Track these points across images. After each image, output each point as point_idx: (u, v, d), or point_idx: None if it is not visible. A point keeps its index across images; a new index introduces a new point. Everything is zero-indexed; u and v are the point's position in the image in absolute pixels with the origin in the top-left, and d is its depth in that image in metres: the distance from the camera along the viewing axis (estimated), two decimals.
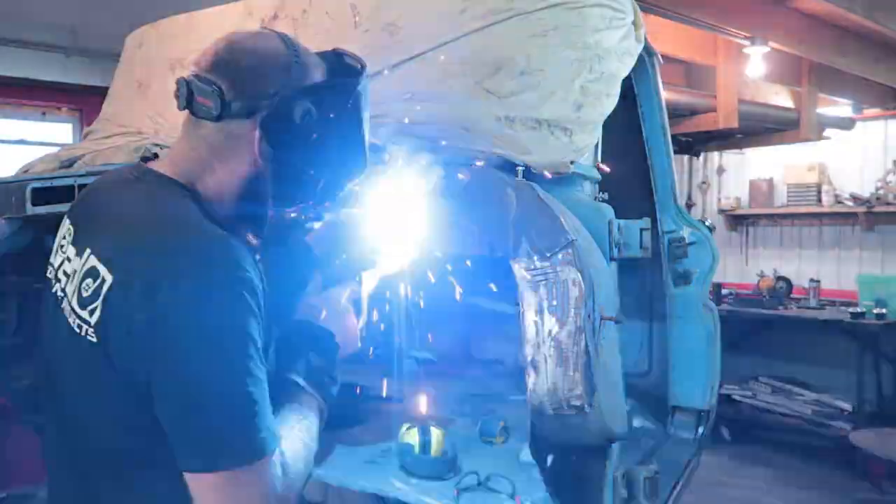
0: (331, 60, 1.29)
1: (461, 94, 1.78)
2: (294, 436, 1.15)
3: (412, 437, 1.92)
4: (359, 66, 1.28)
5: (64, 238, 1.26)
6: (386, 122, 1.74)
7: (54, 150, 2.58)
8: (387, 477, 1.88)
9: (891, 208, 6.42)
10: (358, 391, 2.21)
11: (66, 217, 1.30)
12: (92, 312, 1.10)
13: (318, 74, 1.24)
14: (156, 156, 1.59)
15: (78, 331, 1.12)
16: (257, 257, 1.17)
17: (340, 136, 1.25)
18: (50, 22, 4.50)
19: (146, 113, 2.43)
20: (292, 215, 1.50)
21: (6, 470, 3.78)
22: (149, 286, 1.04)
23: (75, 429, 1.20)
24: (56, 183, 2.17)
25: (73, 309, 1.15)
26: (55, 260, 1.27)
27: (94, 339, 1.09)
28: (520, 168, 1.54)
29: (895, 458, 4.42)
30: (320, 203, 1.35)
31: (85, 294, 1.12)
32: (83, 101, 5.22)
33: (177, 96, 1.20)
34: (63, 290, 1.20)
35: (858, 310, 5.95)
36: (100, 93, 2.92)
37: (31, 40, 4.69)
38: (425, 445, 1.91)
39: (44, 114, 5.31)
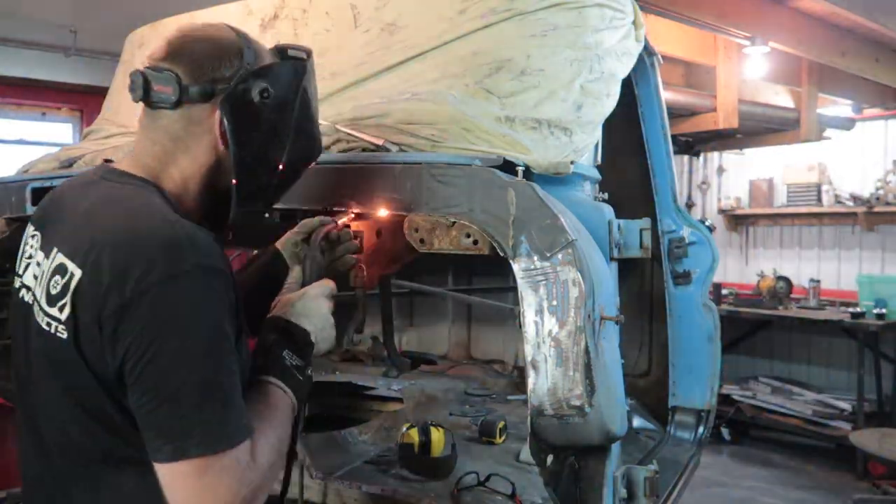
0: (278, 49, 1.33)
1: (461, 94, 1.78)
2: (268, 430, 1.15)
3: (412, 437, 1.92)
4: (304, 53, 1.33)
5: (30, 246, 1.26)
6: (386, 122, 1.74)
7: (54, 150, 2.58)
8: (387, 477, 1.88)
9: (891, 208, 6.42)
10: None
11: (29, 225, 1.30)
12: (62, 309, 1.11)
13: (268, 59, 1.29)
14: None
15: (48, 329, 1.13)
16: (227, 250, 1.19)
17: (295, 116, 1.29)
18: (50, 22, 4.49)
19: None
20: (267, 216, 1.52)
21: (6, 470, 3.78)
22: (118, 277, 1.05)
23: (48, 429, 1.20)
24: (56, 183, 2.17)
25: (42, 309, 1.15)
26: (21, 269, 1.27)
27: (65, 335, 1.10)
28: (520, 168, 1.54)
29: (895, 458, 4.42)
30: (280, 190, 1.36)
31: (54, 292, 1.13)
32: (83, 101, 5.22)
33: (132, 89, 1.21)
34: (33, 294, 1.20)
35: (858, 310, 5.96)
36: (100, 93, 2.92)
37: (31, 40, 4.69)
38: (425, 445, 1.92)
39: (44, 114, 5.31)
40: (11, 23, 4.44)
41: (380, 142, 1.69)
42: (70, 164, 2.27)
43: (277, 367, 1.24)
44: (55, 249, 1.16)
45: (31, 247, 1.25)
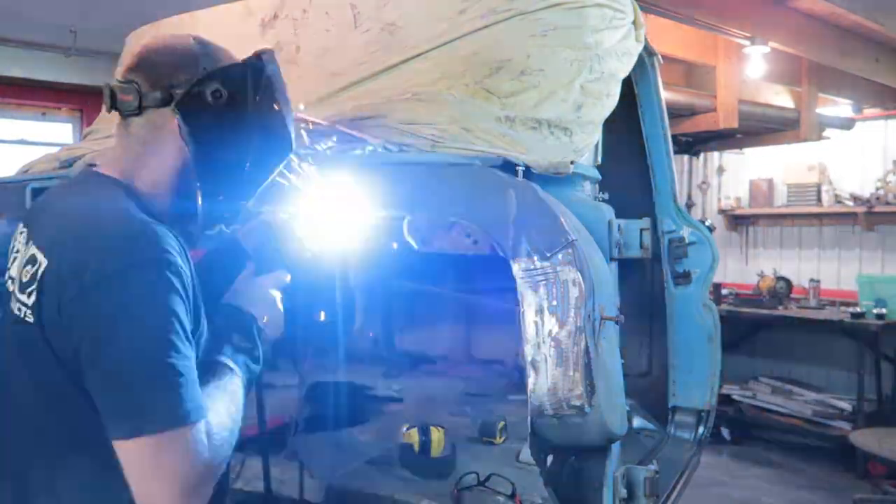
0: (247, 56, 1.38)
1: (461, 94, 1.78)
2: (220, 408, 1.21)
3: (412, 437, 1.93)
4: (262, 53, 1.37)
5: (18, 242, 1.34)
6: (386, 123, 1.74)
7: (54, 150, 2.58)
8: (387, 477, 1.88)
9: (891, 208, 6.41)
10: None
11: (20, 223, 1.39)
12: (30, 295, 1.20)
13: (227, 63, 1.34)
14: None
15: (19, 314, 1.22)
16: (188, 247, 1.27)
17: (256, 116, 1.34)
18: (50, 22, 4.49)
19: None
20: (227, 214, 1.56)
21: None
22: (77, 265, 1.13)
23: (14, 414, 1.27)
24: (56, 183, 2.17)
25: (15, 296, 1.25)
26: (10, 263, 1.34)
27: (31, 320, 1.19)
28: (520, 168, 1.54)
29: (895, 458, 4.42)
30: (252, 190, 1.41)
31: (24, 279, 1.22)
32: (83, 101, 5.22)
33: (104, 101, 1.31)
34: (13, 284, 1.28)
35: (858, 310, 5.95)
36: (100, 93, 2.92)
37: (31, 40, 4.69)
38: (425, 445, 1.92)
39: (44, 114, 5.32)
40: (11, 23, 4.44)
41: (380, 142, 1.69)
42: (70, 164, 2.27)
43: (228, 349, 1.32)
44: (31, 242, 1.26)
45: (19, 242, 1.33)
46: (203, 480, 1.13)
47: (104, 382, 1.11)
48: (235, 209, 1.43)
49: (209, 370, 1.27)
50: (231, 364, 1.29)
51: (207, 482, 1.14)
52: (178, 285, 1.16)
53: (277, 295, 1.45)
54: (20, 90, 5.11)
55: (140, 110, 1.29)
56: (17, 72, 4.86)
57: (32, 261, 1.22)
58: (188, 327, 1.17)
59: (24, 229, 1.35)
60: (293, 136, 1.43)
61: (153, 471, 1.09)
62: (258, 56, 1.37)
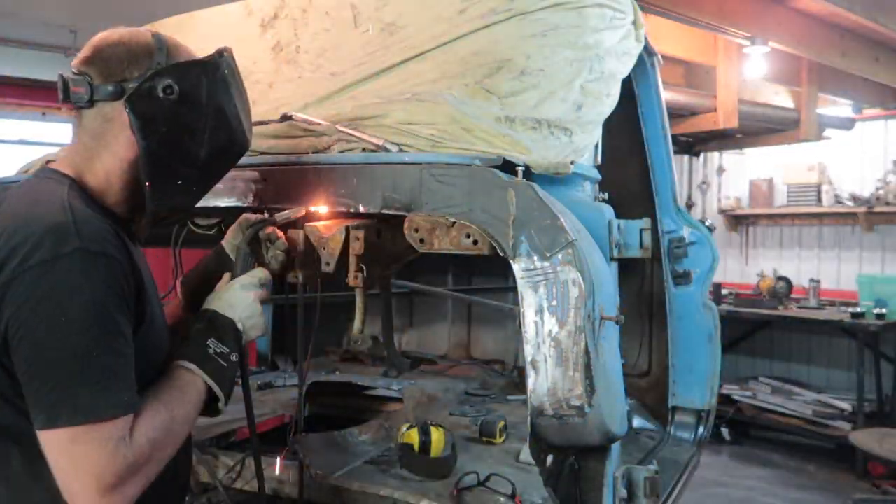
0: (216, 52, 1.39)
1: (461, 94, 1.78)
2: (159, 408, 1.20)
3: (412, 437, 1.92)
4: (218, 52, 1.38)
5: None
6: (386, 122, 1.74)
7: (54, 150, 2.58)
8: (387, 477, 1.88)
9: (891, 208, 6.42)
10: None
11: None
12: None
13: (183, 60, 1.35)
14: None
15: None
16: (131, 241, 1.29)
17: (207, 114, 1.34)
18: (50, 22, 4.49)
19: None
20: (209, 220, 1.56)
21: None
22: (8, 255, 1.14)
23: None
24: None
25: None
26: None
27: None
28: (520, 168, 1.54)
29: (895, 458, 4.42)
30: (202, 187, 1.41)
31: None
32: None
33: (57, 91, 1.31)
34: None
35: (858, 310, 5.96)
36: None
37: (31, 40, 4.68)
38: (425, 445, 1.91)
39: (44, 114, 5.31)
40: (11, 23, 4.44)
41: (380, 142, 1.69)
42: None
43: (197, 354, 1.32)
44: None
45: None
46: (123, 479, 1.11)
47: (26, 371, 1.11)
48: (185, 205, 1.42)
49: (168, 373, 1.28)
50: (193, 368, 1.29)
51: (131, 481, 1.12)
52: (109, 278, 1.15)
53: (254, 295, 1.45)
54: (20, 90, 5.10)
55: (91, 103, 1.30)
56: (17, 72, 4.85)
57: None
58: (122, 320, 1.16)
59: None
60: (247, 135, 1.43)
61: (69, 463, 1.09)
62: (219, 54, 1.37)
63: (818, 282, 6.82)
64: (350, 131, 1.74)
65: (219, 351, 1.33)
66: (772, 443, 6.40)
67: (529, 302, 1.43)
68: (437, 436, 1.93)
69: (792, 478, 5.65)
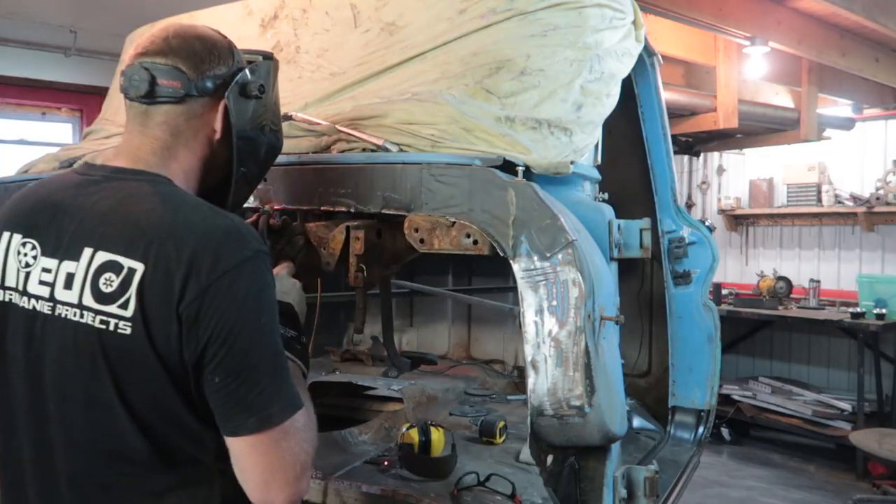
0: (255, 52, 1.44)
1: (461, 94, 1.78)
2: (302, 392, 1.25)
3: (412, 437, 1.92)
4: (269, 53, 1.45)
5: (22, 255, 1.22)
6: (386, 122, 1.73)
7: (54, 150, 2.58)
8: (387, 477, 1.88)
9: (891, 208, 6.41)
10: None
11: (9, 234, 1.25)
12: (124, 305, 1.11)
13: (244, 59, 1.38)
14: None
15: (104, 327, 1.12)
16: None
17: (274, 109, 1.42)
18: (50, 22, 4.49)
19: None
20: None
21: None
22: (190, 267, 1.10)
23: (70, 435, 1.18)
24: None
25: (89, 308, 1.13)
26: (11, 279, 1.22)
27: (128, 331, 1.10)
28: (520, 168, 1.54)
29: (895, 458, 4.41)
30: (258, 182, 1.46)
31: (108, 290, 1.12)
32: (83, 101, 5.22)
33: (132, 84, 1.23)
34: (51, 299, 1.17)
35: (858, 310, 5.95)
36: (100, 93, 2.93)
37: (31, 40, 4.68)
38: (425, 445, 1.91)
39: (44, 114, 5.32)
40: (11, 23, 4.44)
41: (380, 142, 1.69)
42: (70, 164, 2.26)
43: (284, 343, 1.32)
44: (90, 250, 1.15)
45: (25, 255, 1.21)
46: (311, 462, 1.18)
47: (231, 381, 1.10)
48: (243, 203, 1.48)
49: None
50: (290, 355, 1.29)
51: (311, 465, 1.19)
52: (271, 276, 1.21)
53: (296, 281, 1.52)
54: (20, 90, 5.10)
55: (183, 98, 1.23)
56: (17, 72, 4.85)
57: (114, 268, 1.12)
58: None
59: (28, 240, 1.21)
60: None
61: (276, 459, 1.12)
62: (270, 55, 1.42)
63: (818, 282, 6.82)
64: (350, 131, 1.74)
65: (291, 335, 1.35)
66: (772, 443, 6.40)
67: (529, 302, 1.43)
68: (437, 436, 1.93)
69: (792, 478, 5.65)
